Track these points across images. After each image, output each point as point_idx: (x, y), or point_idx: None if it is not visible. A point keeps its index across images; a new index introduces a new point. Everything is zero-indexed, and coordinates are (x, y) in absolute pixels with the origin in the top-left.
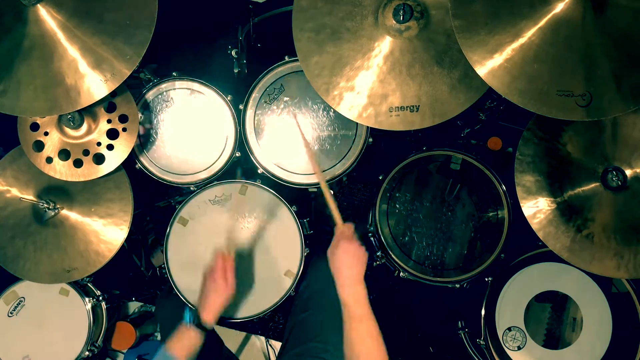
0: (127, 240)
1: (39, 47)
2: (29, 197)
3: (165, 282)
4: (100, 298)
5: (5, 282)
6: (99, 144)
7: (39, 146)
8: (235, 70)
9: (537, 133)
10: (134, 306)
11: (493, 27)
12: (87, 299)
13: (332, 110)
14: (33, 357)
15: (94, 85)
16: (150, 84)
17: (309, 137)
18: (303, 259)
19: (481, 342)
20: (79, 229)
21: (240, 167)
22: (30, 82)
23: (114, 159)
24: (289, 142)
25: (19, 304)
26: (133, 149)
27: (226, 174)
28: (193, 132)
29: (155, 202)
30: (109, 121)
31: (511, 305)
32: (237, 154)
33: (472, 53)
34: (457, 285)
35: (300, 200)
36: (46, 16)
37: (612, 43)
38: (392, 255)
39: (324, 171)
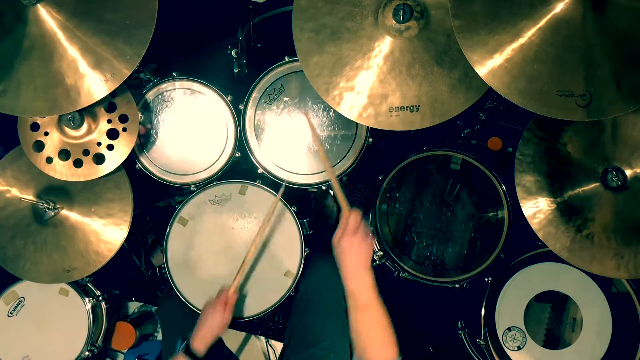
0: (127, 240)
1: (39, 47)
2: (29, 197)
3: (165, 282)
4: (100, 298)
5: (5, 282)
6: (99, 144)
7: (39, 146)
8: (235, 70)
9: (537, 133)
10: (134, 306)
11: (493, 27)
12: (87, 299)
13: (332, 110)
14: (33, 357)
15: (94, 85)
16: (150, 84)
17: (309, 137)
18: (303, 259)
19: (481, 342)
20: (79, 229)
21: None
22: (30, 82)
23: (114, 159)
24: (289, 143)
25: (18, 304)
26: (133, 149)
27: (226, 174)
28: (193, 132)
29: (155, 202)
30: (109, 121)
31: (511, 305)
32: (237, 154)
33: (472, 53)
34: (457, 285)
35: (300, 200)
36: (46, 16)
37: (612, 43)
38: (392, 255)
39: (323, 171)
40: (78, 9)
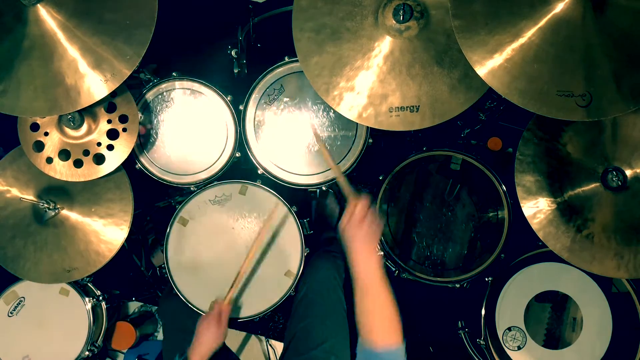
0: (127, 240)
1: (39, 47)
2: (29, 197)
3: (166, 282)
4: (100, 298)
5: (5, 282)
6: (99, 144)
7: (39, 146)
8: (235, 71)
9: (537, 133)
10: (134, 306)
11: (493, 27)
12: (87, 299)
13: (332, 110)
14: (33, 357)
15: (94, 85)
16: (150, 84)
17: (309, 137)
18: (303, 259)
19: (481, 342)
20: (79, 229)
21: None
22: (30, 82)
23: (114, 159)
24: (289, 143)
25: (19, 304)
26: (133, 149)
27: (226, 174)
28: (193, 132)
29: (156, 202)
30: (109, 121)
31: (511, 305)
32: (237, 154)
33: (472, 53)
34: (457, 285)
35: (300, 200)
36: (46, 16)
37: (612, 43)
38: (392, 255)
39: (323, 172)
40: (78, 9)
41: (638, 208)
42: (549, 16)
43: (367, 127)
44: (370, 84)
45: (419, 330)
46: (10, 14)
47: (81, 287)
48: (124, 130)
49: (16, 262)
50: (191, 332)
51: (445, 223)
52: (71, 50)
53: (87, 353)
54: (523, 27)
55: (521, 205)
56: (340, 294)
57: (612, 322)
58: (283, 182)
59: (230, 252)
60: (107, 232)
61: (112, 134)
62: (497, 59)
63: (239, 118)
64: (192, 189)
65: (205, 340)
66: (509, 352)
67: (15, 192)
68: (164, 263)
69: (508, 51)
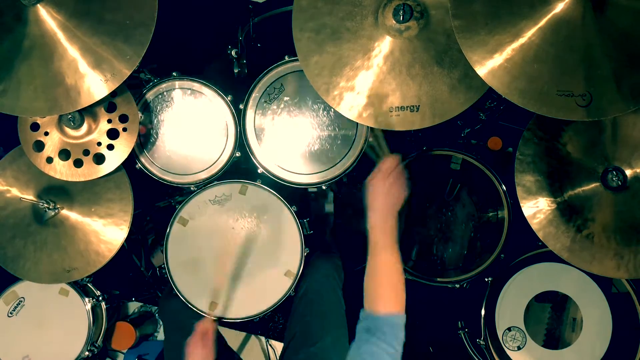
0: (127, 240)
1: (39, 47)
2: (29, 197)
3: (165, 282)
4: (100, 298)
5: (5, 282)
6: (99, 144)
7: (39, 146)
8: (235, 70)
9: (537, 133)
10: (134, 306)
11: (493, 27)
12: (87, 299)
13: (332, 110)
14: (33, 357)
15: (94, 85)
16: (150, 84)
17: (309, 137)
18: (303, 259)
19: (481, 342)
20: (79, 229)
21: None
22: (30, 82)
23: (114, 159)
24: (289, 142)
25: (18, 304)
26: (133, 149)
27: (226, 174)
28: (193, 132)
29: (155, 202)
30: (109, 121)
31: (511, 305)
32: (237, 154)
33: (472, 53)
34: (457, 285)
35: (300, 200)
36: (46, 16)
37: (612, 43)
38: None
39: (323, 171)
40: (78, 9)
41: (638, 208)
42: (549, 16)
43: (367, 126)
44: (371, 84)
45: (419, 330)
46: (10, 14)
47: (81, 287)
48: (124, 130)
49: (16, 262)
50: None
51: (445, 223)
52: (71, 50)
53: (87, 353)
54: (523, 27)
55: (521, 205)
56: (340, 293)
57: (612, 322)
58: (283, 182)
59: (230, 252)
60: (107, 232)
61: (112, 134)
62: (497, 59)
63: (239, 118)
64: (192, 188)
65: None
66: (508, 352)
67: (15, 192)
68: (163, 263)
69: (508, 51)
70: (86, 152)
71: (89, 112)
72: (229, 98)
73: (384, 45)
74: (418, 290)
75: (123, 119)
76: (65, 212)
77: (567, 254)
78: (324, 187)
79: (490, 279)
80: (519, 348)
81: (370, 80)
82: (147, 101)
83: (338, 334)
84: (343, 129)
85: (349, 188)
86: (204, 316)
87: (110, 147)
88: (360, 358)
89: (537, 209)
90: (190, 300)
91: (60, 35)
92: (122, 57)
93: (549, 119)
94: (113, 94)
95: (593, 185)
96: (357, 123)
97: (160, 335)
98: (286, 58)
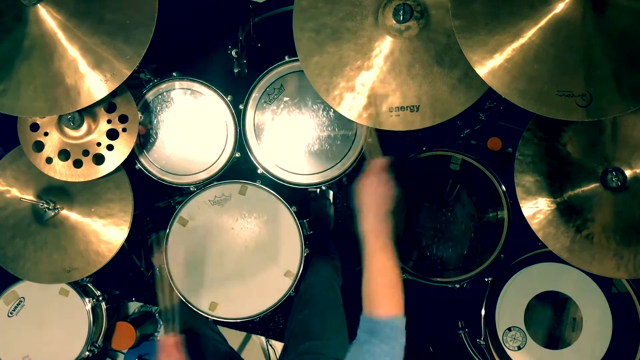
0: (127, 240)
1: (39, 47)
2: (29, 197)
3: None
4: (100, 298)
5: (5, 282)
6: (98, 144)
7: (39, 146)
8: (235, 70)
9: (537, 133)
10: (134, 306)
11: (493, 27)
12: (87, 299)
13: (332, 110)
14: (33, 357)
15: (94, 85)
16: (150, 84)
17: (309, 137)
18: (303, 259)
19: (481, 342)
20: (79, 229)
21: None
22: (30, 82)
23: (114, 159)
24: (289, 142)
25: (19, 304)
26: (133, 149)
27: (226, 174)
28: (193, 132)
29: (155, 202)
30: (109, 121)
31: (511, 305)
32: (237, 154)
33: (472, 53)
34: (457, 285)
35: (300, 200)
36: (46, 16)
37: (612, 43)
38: None
39: (323, 171)
40: (78, 9)
41: (638, 208)
42: (549, 16)
43: (367, 126)
44: (371, 84)
45: (419, 330)
46: (10, 14)
47: (81, 288)
48: (124, 130)
49: (16, 262)
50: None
51: (445, 223)
52: (71, 50)
53: (87, 353)
54: (523, 27)
55: (521, 205)
56: (338, 293)
57: (612, 322)
58: (283, 182)
59: (230, 253)
60: (107, 232)
61: (112, 134)
62: (497, 59)
63: (239, 118)
64: (191, 189)
65: None
66: (509, 352)
67: (15, 192)
68: (163, 263)
69: (508, 51)
70: (86, 153)
71: (89, 112)
72: (228, 98)
73: (384, 45)
74: (418, 290)
75: (123, 119)
76: (65, 212)
77: (566, 254)
78: (324, 187)
79: (490, 279)
80: (519, 348)
81: (370, 80)
82: (147, 101)
83: (337, 333)
84: (343, 129)
85: (349, 188)
86: (204, 316)
87: (110, 147)
88: (362, 357)
89: (536, 209)
90: (190, 300)
91: (60, 35)
92: (122, 57)
93: (548, 119)
94: (113, 94)
95: (593, 185)
96: (357, 123)
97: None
98: (286, 58)
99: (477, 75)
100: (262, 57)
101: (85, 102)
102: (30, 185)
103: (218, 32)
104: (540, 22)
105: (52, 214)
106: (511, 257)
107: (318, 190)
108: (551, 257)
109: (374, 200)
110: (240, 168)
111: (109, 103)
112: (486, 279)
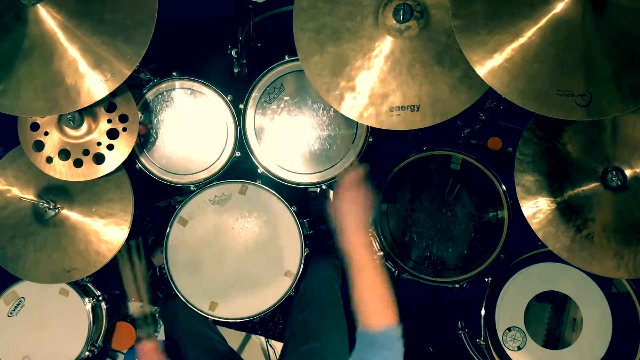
0: (127, 240)
1: (39, 47)
2: (29, 196)
3: (165, 282)
4: (100, 298)
5: (5, 282)
6: (99, 143)
7: (39, 146)
8: (235, 70)
9: (537, 133)
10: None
11: (493, 27)
12: (87, 299)
13: (332, 109)
14: (33, 357)
15: (94, 85)
16: (150, 84)
17: (309, 137)
18: (303, 259)
19: (481, 342)
20: (79, 228)
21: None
22: (30, 82)
23: (114, 158)
24: (289, 142)
25: (19, 304)
26: (133, 149)
27: (226, 174)
28: (193, 132)
29: (156, 202)
30: (109, 121)
31: (511, 305)
32: (237, 154)
33: (472, 53)
34: (457, 285)
35: (300, 200)
36: (46, 16)
37: (612, 43)
38: (392, 256)
39: (323, 171)
40: (78, 9)
41: (638, 208)
42: (549, 16)
43: (367, 126)
44: (371, 84)
45: (419, 330)
46: (10, 14)
47: (81, 288)
48: (124, 129)
49: (16, 262)
50: (191, 333)
51: (445, 223)
52: (71, 50)
53: (87, 353)
54: (523, 27)
55: (521, 205)
56: (338, 293)
57: (612, 322)
58: (283, 182)
59: (230, 253)
60: (107, 232)
61: (112, 134)
62: (497, 59)
63: (239, 117)
64: (192, 188)
65: None
66: (509, 352)
67: (15, 191)
68: (163, 263)
69: (508, 51)
70: (86, 152)
71: (89, 112)
72: (229, 98)
73: (385, 45)
74: (418, 290)
75: (123, 118)
76: (65, 212)
77: (567, 254)
78: (324, 187)
79: (490, 279)
80: (519, 348)
81: (370, 80)
82: (147, 101)
83: (337, 333)
84: (343, 129)
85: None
86: (204, 316)
87: (110, 147)
88: None
89: (536, 208)
90: (190, 300)
91: (60, 35)
92: (122, 57)
93: (548, 119)
94: (113, 94)
95: (593, 185)
96: (357, 123)
97: (161, 335)
98: (286, 58)
99: (477, 75)
100: (262, 57)
101: (85, 102)
102: (30, 185)
103: (218, 32)
104: (540, 22)
105: (53, 213)
106: (511, 257)
107: (318, 189)
108: (551, 257)
109: (353, 216)
110: (240, 167)
111: (109, 103)
112: (486, 279)
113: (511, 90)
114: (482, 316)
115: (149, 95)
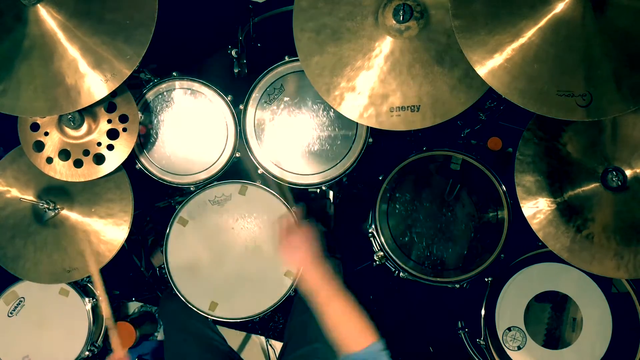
0: (127, 240)
1: (39, 47)
2: (29, 197)
3: (165, 283)
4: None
5: (5, 282)
6: (99, 144)
7: (39, 146)
8: (235, 70)
9: (537, 133)
10: (134, 306)
11: (493, 27)
12: (87, 299)
13: (332, 110)
14: (33, 357)
15: (94, 85)
16: (150, 84)
17: (309, 137)
18: None
19: (481, 342)
20: (79, 229)
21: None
22: (30, 82)
23: (114, 159)
24: (289, 143)
25: (19, 304)
26: (133, 149)
27: (226, 174)
28: (193, 132)
29: (156, 202)
30: (109, 121)
31: (511, 305)
32: (237, 154)
33: (472, 53)
34: (457, 286)
35: (300, 200)
36: (46, 16)
37: (612, 43)
38: (392, 256)
39: (323, 171)
40: (78, 9)
41: (638, 208)
42: (549, 16)
43: (367, 126)
44: (371, 84)
45: (419, 330)
46: (10, 14)
47: (81, 288)
48: (124, 130)
49: (16, 262)
50: (191, 333)
51: (445, 223)
52: (71, 50)
53: (87, 353)
54: (523, 27)
55: (521, 205)
56: None
57: (612, 322)
58: (283, 182)
59: (230, 253)
60: (107, 232)
61: (112, 134)
62: (497, 59)
63: (239, 118)
64: (192, 189)
65: None
66: (508, 352)
67: (15, 192)
68: (163, 263)
69: (508, 51)
70: (86, 152)
71: (89, 112)
72: (229, 98)
73: (385, 45)
74: (418, 290)
75: (123, 119)
76: (65, 212)
77: (567, 254)
78: (324, 187)
79: (490, 279)
80: (519, 348)
81: (371, 81)
82: (147, 101)
83: None
84: (343, 129)
85: (349, 188)
86: (204, 316)
87: (110, 147)
88: None
89: (537, 209)
90: (190, 301)
91: (60, 35)
92: (122, 57)
93: (549, 119)
94: (113, 94)
95: (593, 185)
96: (357, 123)
97: (160, 335)
98: (286, 58)
99: (478, 75)
100: (262, 57)
101: (85, 102)
102: (30, 185)
103: (218, 32)
104: (540, 22)
105: (52, 214)
106: (511, 257)
107: (318, 190)
108: (551, 257)
109: (303, 255)
110: (240, 168)
111: (109, 103)
112: (486, 279)
113: (511, 91)
114: (482, 316)
115: (149, 96)
